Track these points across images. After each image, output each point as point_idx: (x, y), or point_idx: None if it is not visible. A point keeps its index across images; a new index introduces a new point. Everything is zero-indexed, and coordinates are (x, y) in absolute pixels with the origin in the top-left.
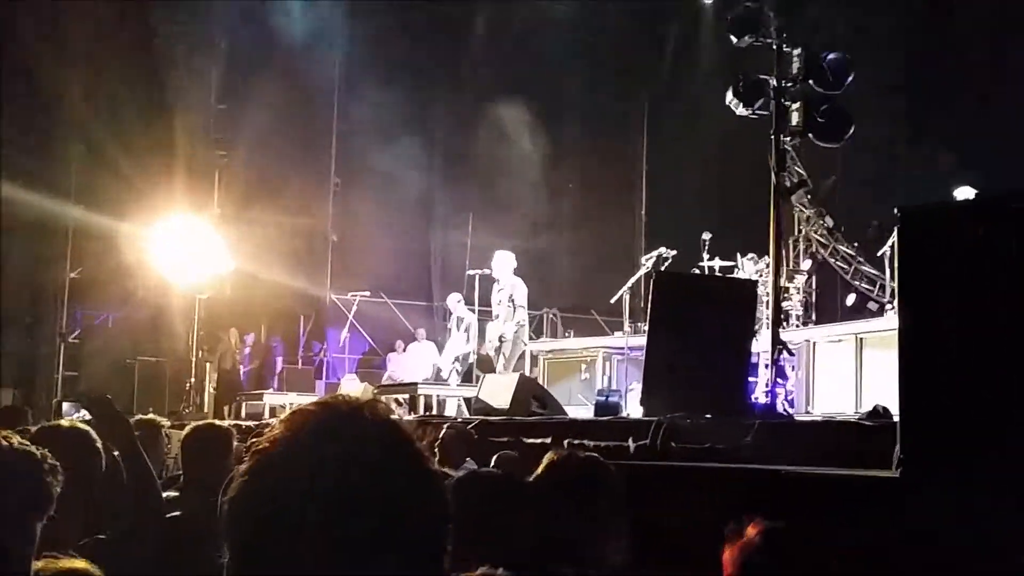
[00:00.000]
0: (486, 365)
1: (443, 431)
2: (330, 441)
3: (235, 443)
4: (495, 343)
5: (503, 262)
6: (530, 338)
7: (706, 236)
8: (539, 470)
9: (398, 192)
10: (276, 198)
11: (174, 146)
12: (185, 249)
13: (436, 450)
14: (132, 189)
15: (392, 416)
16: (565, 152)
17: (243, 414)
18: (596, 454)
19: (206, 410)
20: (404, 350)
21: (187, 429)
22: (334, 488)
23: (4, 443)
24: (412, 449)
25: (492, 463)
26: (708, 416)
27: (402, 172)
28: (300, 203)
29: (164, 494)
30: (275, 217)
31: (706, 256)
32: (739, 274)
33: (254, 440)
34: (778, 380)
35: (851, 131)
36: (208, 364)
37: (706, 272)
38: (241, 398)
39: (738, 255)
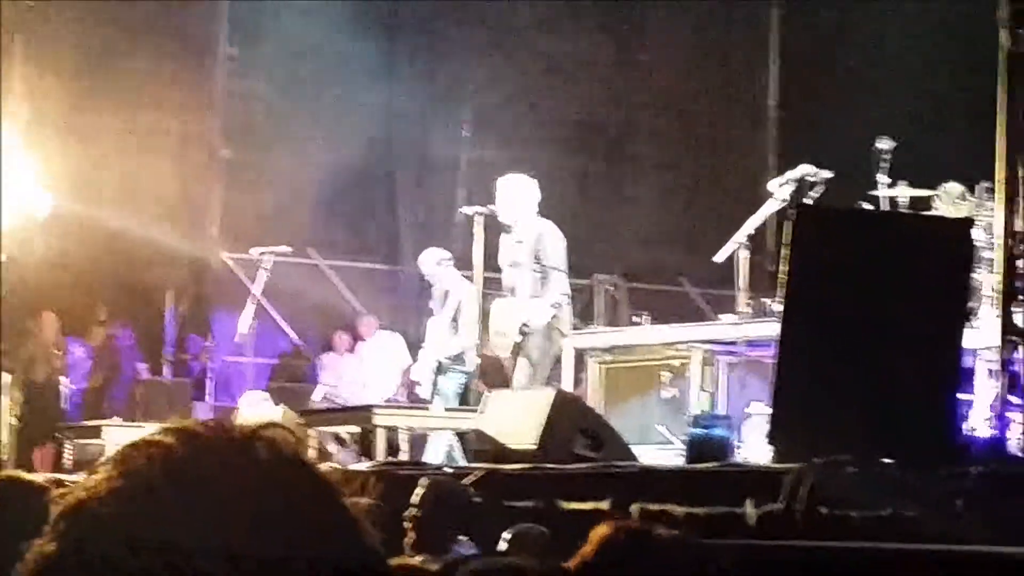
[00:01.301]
0: (494, 374)
1: (419, 489)
2: (194, 496)
3: (53, 510)
4: (511, 335)
5: (517, 194)
6: (573, 327)
7: (884, 144)
8: (583, 554)
9: (334, 71)
10: (122, 84)
11: None
12: None
13: (408, 522)
14: None
15: (303, 454)
16: None
17: (67, 460)
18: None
19: (3, 455)
20: (350, 349)
21: None
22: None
23: None
24: (339, 513)
25: (502, 543)
26: (888, 461)
27: (342, 35)
28: (164, 92)
29: None
30: (122, 118)
31: (883, 179)
32: (940, 211)
33: (67, 491)
34: (1010, 399)
35: None
36: (6, 375)
37: (884, 206)
38: (64, 434)
39: (942, 184)
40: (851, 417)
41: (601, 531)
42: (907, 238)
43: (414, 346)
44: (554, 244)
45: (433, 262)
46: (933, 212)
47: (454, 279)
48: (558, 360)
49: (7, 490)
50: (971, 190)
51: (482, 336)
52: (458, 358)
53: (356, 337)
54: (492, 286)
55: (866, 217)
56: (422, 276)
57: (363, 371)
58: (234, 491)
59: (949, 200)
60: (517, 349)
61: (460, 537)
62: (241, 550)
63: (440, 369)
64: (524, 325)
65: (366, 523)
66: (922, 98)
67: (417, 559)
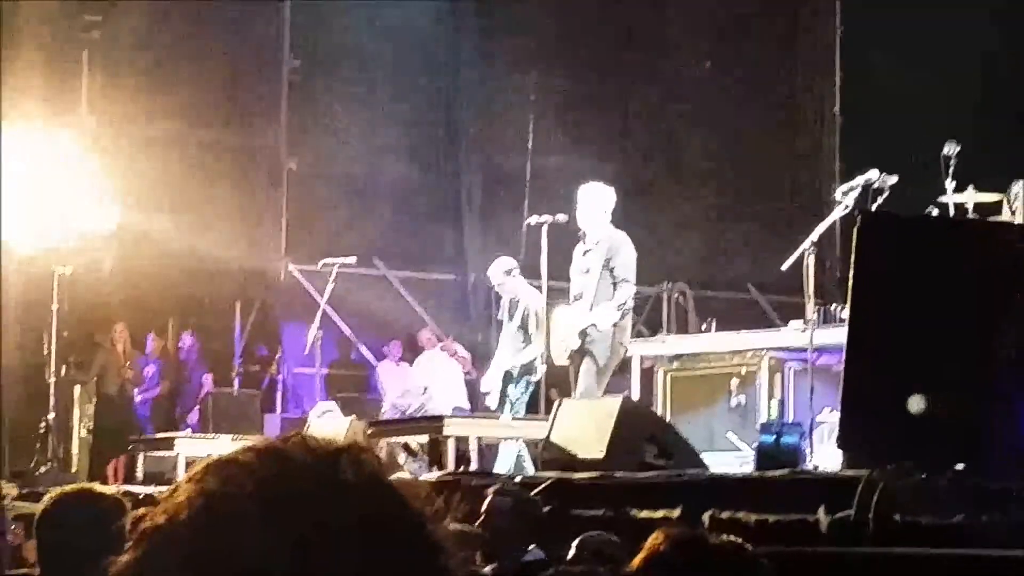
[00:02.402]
0: (557, 385)
1: (489, 499)
2: (275, 516)
3: (127, 523)
4: (576, 343)
5: (593, 203)
6: (638, 335)
7: (951, 150)
8: (634, 563)
9: (398, 80)
10: (186, 97)
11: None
12: (32, 189)
13: (481, 531)
14: None
15: (388, 473)
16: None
17: (140, 473)
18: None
19: (75, 468)
20: (404, 358)
21: (44, 501)
22: None
23: None
24: (421, 537)
25: (572, 551)
26: (961, 468)
27: (405, 44)
28: (229, 104)
29: None
30: (187, 130)
31: (950, 184)
32: (1010, 216)
33: (147, 512)
34: None
35: None
36: (78, 387)
37: (952, 212)
38: (137, 446)
39: (1014, 183)
40: (921, 423)
41: (652, 540)
42: (973, 243)
43: (484, 356)
44: (627, 254)
45: (502, 272)
46: (1003, 216)
47: (522, 288)
48: (625, 367)
49: (80, 503)
50: None
51: (550, 345)
52: (527, 367)
53: (416, 347)
54: (556, 295)
55: (930, 223)
56: (490, 286)
57: (429, 382)
58: (318, 513)
59: (1019, 198)
60: (577, 356)
61: (530, 547)
62: (322, 573)
63: (508, 378)
64: (588, 329)
65: (450, 547)
66: (988, 102)
67: (487, 569)
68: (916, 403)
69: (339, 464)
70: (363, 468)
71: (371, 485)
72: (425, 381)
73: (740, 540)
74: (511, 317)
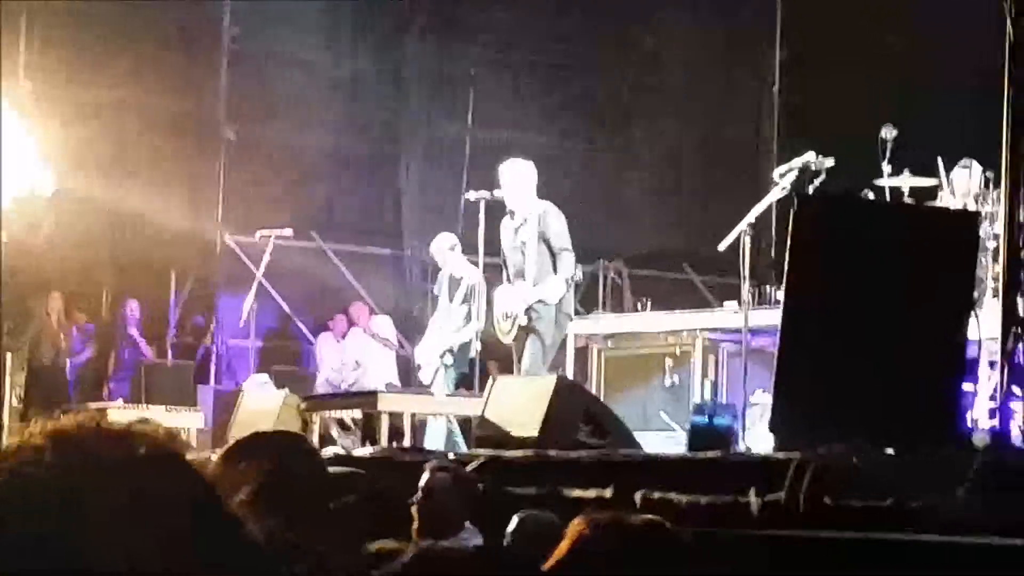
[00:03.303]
0: (498, 360)
1: (427, 475)
2: (66, 495)
3: None
4: (515, 320)
5: (518, 179)
6: (576, 312)
7: (888, 133)
8: (559, 551)
9: (339, 51)
10: (124, 62)
11: None
12: None
13: (414, 510)
14: None
15: (179, 450)
16: None
17: None
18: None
19: (4, 438)
20: (347, 330)
21: None
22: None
23: None
24: (216, 508)
25: (508, 533)
26: (890, 450)
27: (347, 13)
28: (168, 71)
29: None
30: (125, 96)
31: (887, 167)
32: (945, 200)
33: None
34: (1013, 389)
35: None
36: (9, 356)
37: (888, 196)
38: (68, 414)
39: (942, 166)
40: (853, 406)
41: (575, 526)
42: (909, 226)
43: (419, 331)
44: (558, 223)
45: (446, 247)
46: (938, 201)
47: (465, 265)
48: (562, 346)
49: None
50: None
51: (488, 322)
52: (465, 345)
53: (353, 318)
54: (489, 271)
55: (866, 206)
56: (426, 260)
57: (364, 355)
58: (111, 487)
59: (956, 188)
60: (522, 333)
61: (465, 524)
62: (117, 547)
63: (447, 354)
64: (535, 304)
65: (246, 520)
66: (926, 85)
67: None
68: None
69: (130, 441)
70: (154, 443)
71: (163, 458)
72: (358, 356)
73: (659, 519)
74: (452, 293)
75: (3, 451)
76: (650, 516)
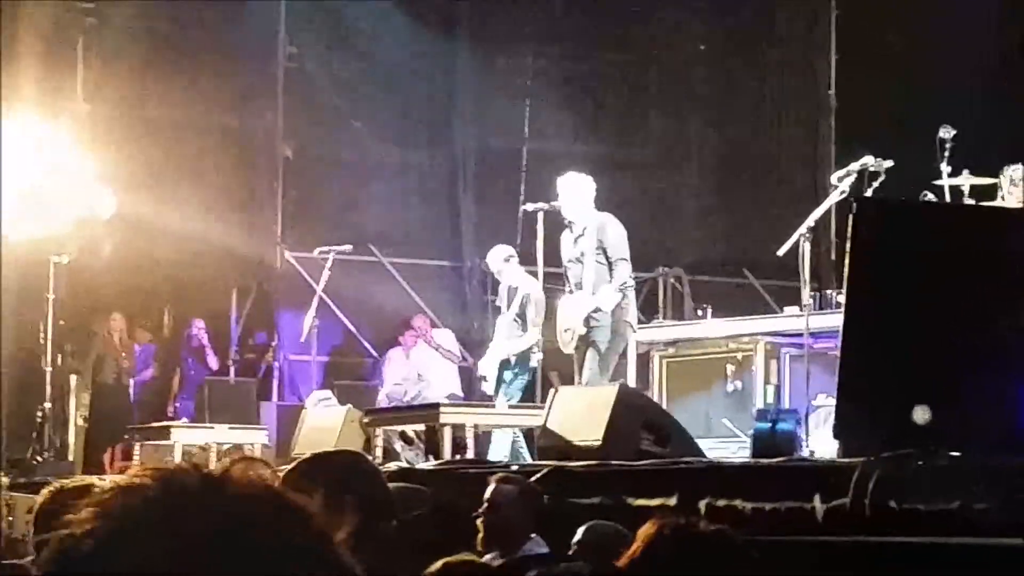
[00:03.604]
0: (559, 370)
1: (493, 487)
2: (166, 535)
3: None
4: (576, 330)
5: (574, 192)
6: (639, 320)
7: (946, 133)
8: (631, 553)
9: (394, 66)
10: (182, 82)
11: None
12: (26, 176)
13: (480, 523)
14: None
15: (274, 486)
16: None
17: (136, 462)
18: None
19: (71, 457)
20: (415, 344)
21: (42, 494)
22: None
23: None
24: (312, 538)
25: (575, 542)
26: (958, 454)
27: (401, 28)
28: (225, 90)
29: None
30: (182, 115)
31: (946, 168)
32: (1005, 200)
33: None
34: None
35: None
36: (74, 377)
37: (947, 196)
38: (133, 435)
39: (1005, 167)
40: (917, 408)
41: (646, 529)
42: (968, 228)
43: (480, 343)
44: (616, 233)
45: (501, 259)
46: (998, 200)
47: (520, 276)
48: (623, 355)
49: (78, 497)
50: None
51: (549, 332)
52: (523, 354)
53: (419, 335)
54: (551, 281)
55: (924, 208)
56: (486, 272)
57: (428, 369)
58: (205, 527)
59: (1012, 182)
60: (583, 344)
61: (531, 536)
62: None
63: (505, 365)
64: (593, 313)
65: (342, 547)
66: (984, 85)
67: (487, 557)
68: (921, 414)
69: (225, 480)
70: (248, 482)
71: (257, 495)
72: (421, 369)
73: (727, 527)
74: (509, 304)
75: (106, 490)
76: (718, 525)
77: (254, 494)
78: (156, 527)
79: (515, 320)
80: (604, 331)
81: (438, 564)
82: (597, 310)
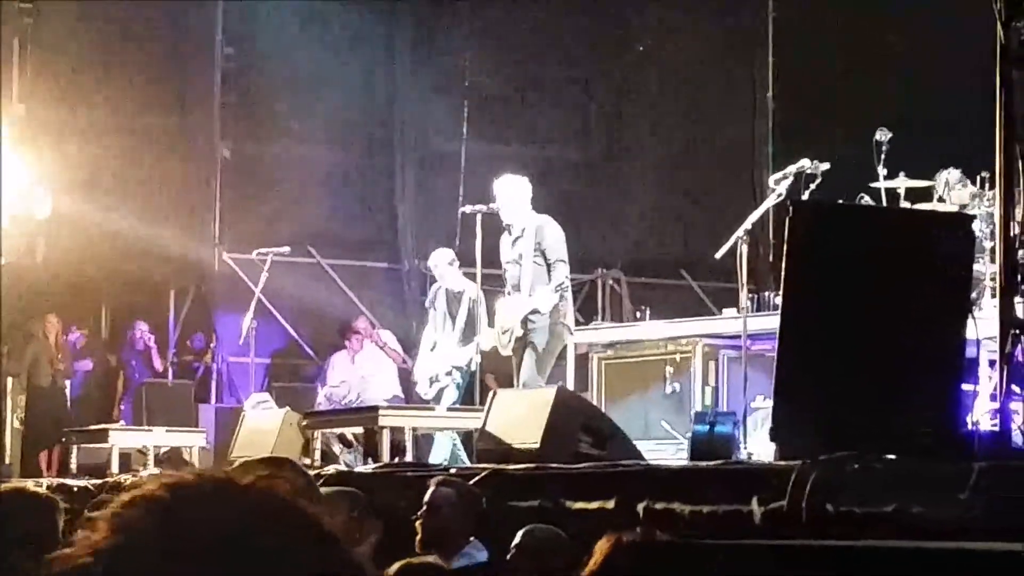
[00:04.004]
0: (496, 372)
1: (433, 490)
2: (184, 547)
3: (60, 519)
4: (514, 332)
5: (512, 194)
6: (576, 322)
7: (882, 136)
8: (588, 571)
9: (332, 67)
10: (119, 83)
11: None
12: None
13: (419, 526)
14: None
15: (292, 498)
16: None
17: (74, 465)
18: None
19: (8, 459)
20: (359, 349)
21: None
22: None
23: None
24: (331, 551)
25: (514, 545)
26: (891, 457)
27: (338, 30)
28: (162, 92)
29: None
30: (120, 117)
31: (882, 171)
32: (940, 204)
33: (63, 554)
34: (1014, 389)
35: None
36: (10, 380)
37: (883, 201)
38: (70, 438)
39: (941, 171)
40: (853, 411)
41: (603, 545)
42: (904, 231)
43: (417, 344)
44: (554, 235)
45: (445, 262)
46: (934, 202)
47: (462, 280)
48: (562, 356)
49: (13, 502)
50: (972, 180)
51: (487, 334)
52: (468, 362)
53: (357, 338)
54: (489, 283)
55: (860, 210)
56: (425, 274)
57: (362, 371)
58: (221, 538)
59: (948, 186)
60: (520, 345)
61: (470, 540)
62: None
63: (450, 369)
64: (530, 315)
65: (368, 567)
66: (920, 89)
67: (429, 558)
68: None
69: (245, 491)
70: (266, 492)
71: (275, 507)
72: (365, 372)
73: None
74: (452, 308)
75: (128, 498)
76: (676, 537)
77: (263, 502)
78: (166, 541)
79: (459, 323)
80: (542, 333)
81: (398, 565)
82: (535, 312)
